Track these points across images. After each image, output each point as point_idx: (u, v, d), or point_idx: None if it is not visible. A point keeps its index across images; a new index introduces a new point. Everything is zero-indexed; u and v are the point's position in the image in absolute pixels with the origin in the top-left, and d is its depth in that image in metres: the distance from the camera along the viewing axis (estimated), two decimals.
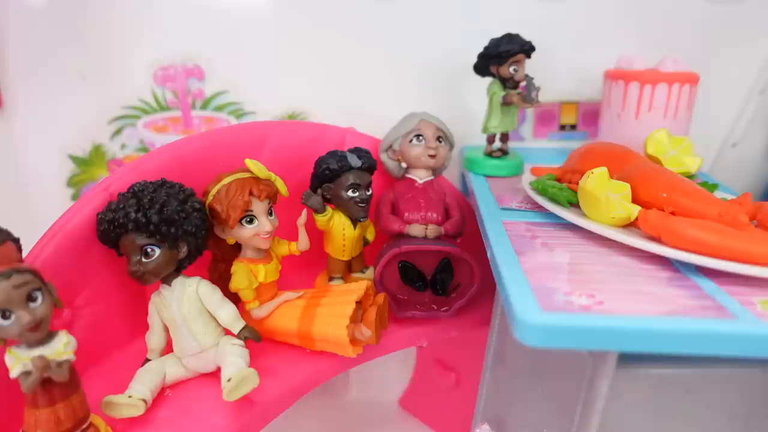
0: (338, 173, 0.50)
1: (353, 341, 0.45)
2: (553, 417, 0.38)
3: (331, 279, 0.55)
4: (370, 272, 0.56)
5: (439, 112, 0.57)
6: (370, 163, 0.51)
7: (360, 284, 0.47)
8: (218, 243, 0.47)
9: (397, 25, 0.68)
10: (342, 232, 0.52)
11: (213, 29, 0.67)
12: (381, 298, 0.48)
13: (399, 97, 0.68)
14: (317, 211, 0.50)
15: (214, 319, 0.43)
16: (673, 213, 0.39)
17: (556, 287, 0.33)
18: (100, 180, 0.46)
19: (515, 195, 0.52)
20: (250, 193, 0.43)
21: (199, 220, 0.42)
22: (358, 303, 0.46)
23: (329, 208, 0.51)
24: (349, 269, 0.56)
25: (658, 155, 0.52)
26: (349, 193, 0.50)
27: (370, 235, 0.56)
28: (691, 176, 0.51)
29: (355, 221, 0.52)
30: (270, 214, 0.45)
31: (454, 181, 0.65)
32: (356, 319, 0.46)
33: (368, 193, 0.51)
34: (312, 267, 0.57)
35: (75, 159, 0.70)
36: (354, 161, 0.50)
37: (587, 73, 0.70)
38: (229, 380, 0.39)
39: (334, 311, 0.45)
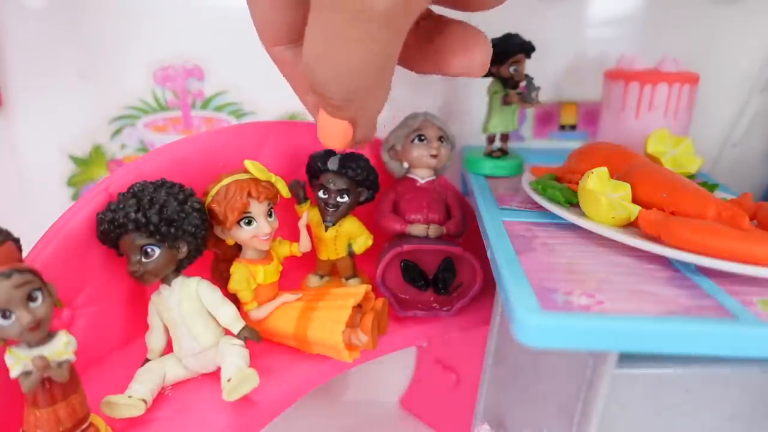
0: (317, 172, 0.51)
1: (349, 346, 0.45)
2: (553, 417, 0.38)
3: (314, 273, 0.56)
4: (353, 281, 0.55)
5: (439, 112, 0.57)
6: (354, 173, 0.50)
7: (359, 288, 0.47)
8: (219, 243, 0.47)
9: None
10: (316, 229, 0.53)
11: (213, 29, 0.67)
12: (380, 303, 0.48)
13: (399, 97, 0.68)
14: (297, 201, 0.53)
15: (215, 319, 0.43)
16: (673, 213, 0.39)
17: (556, 287, 0.33)
18: (100, 180, 0.46)
19: (515, 195, 0.52)
20: (249, 195, 0.43)
21: (199, 220, 0.42)
22: (358, 306, 0.46)
23: (307, 202, 0.53)
24: (339, 273, 0.56)
25: (658, 155, 0.52)
26: (320, 193, 0.51)
27: (357, 247, 0.54)
28: (691, 176, 0.51)
29: (324, 222, 0.51)
30: (270, 215, 0.45)
31: (454, 180, 0.65)
32: (354, 323, 0.45)
33: (340, 199, 0.50)
34: (312, 268, 0.57)
35: (75, 159, 0.70)
36: (331, 164, 0.50)
37: (587, 73, 0.70)
38: (228, 380, 0.39)
39: (330, 316, 0.45)
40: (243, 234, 0.44)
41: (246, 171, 0.45)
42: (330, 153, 0.51)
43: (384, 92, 0.33)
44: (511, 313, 0.31)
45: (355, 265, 0.56)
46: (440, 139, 0.54)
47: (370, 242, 0.54)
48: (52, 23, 0.65)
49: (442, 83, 0.70)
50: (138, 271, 0.40)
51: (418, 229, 0.51)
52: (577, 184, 0.43)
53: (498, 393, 0.47)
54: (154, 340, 0.44)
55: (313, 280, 0.56)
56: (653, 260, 0.38)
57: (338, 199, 0.50)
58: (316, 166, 0.51)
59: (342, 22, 0.27)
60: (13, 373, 0.32)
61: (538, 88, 0.56)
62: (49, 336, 0.33)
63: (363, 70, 0.30)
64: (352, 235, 0.54)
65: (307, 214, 0.50)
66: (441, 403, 0.69)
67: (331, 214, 0.50)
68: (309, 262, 0.55)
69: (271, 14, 0.36)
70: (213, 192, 0.44)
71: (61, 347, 0.33)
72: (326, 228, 0.51)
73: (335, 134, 0.35)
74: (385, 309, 0.49)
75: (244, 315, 0.46)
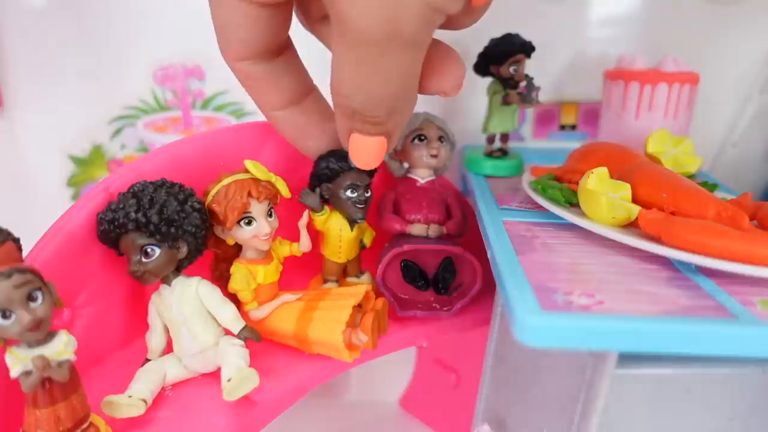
0: (338, 173, 0.49)
1: (350, 346, 0.45)
2: (553, 417, 0.38)
3: (325, 282, 0.54)
4: (365, 277, 0.55)
5: (439, 112, 0.57)
6: None
7: (359, 288, 0.47)
8: (219, 243, 0.47)
9: None
10: (339, 233, 0.51)
11: (213, 29, 0.67)
12: (380, 303, 0.48)
13: None
14: (314, 210, 0.50)
15: (215, 319, 0.43)
16: (673, 213, 0.39)
17: (556, 287, 0.33)
18: (100, 180, 0.47)
19: (515, 195, 0.52)
20: (249, 195, 0.43)
21: (199, 220, 0.42)
22: (358, 306, 0.46)
23: (326, 208, 0.51)
24: (344, 273, 0.55)
25: (658, 155, 0.52)
26: (348, 193, 0.49)
27: (367, 239, 0.55)
28: (691, 176, 0.51)
29: (352, 222, 0.51)
30: (270, 215, 0.45)
31: (454, 180, 0.65)
32: (354, 323, 0.45)
33: (367, 194, 0.50)
34: (312, 268, 0.57)
35: (75, 159, 0.70)
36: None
37: (587, 73, 0.70)
38: (229, 380, 0.39)
39: (330, 315, 0.45)
40: (243, 234, 0.44)
41: (246, 171, 0.45)
42: (339, 152, 0.50)
43: (415, 98, 0.35)
44: (511, 313, 0.31)
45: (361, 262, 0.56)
46: (440, 139, 0.54)
47: (373, 233, 0.55)
48: (52, 23, 0.65)
49: None
50: (138, 271, 0.40)
51: (418, 229, 0.51)
52: (577, 184, 0.43)
53: (498, 393, 0.47)
54: (155, 340, 0.44)
55: (329, 286, 0.54)
56: (653, 260, 0.38)
57: (366, 194, 0.50)
58: (337, 166, 0.49)
59: (376, 54, 0.29)
60: (13, 373, 0.32)
61: (538, 88, 0.56)
62: (49, 336, 0.33)
63: (401, 87, 0.32)
64: (362, 228, 0.53)
65: (308, 214, 0.50)
66: (441, 403, 0.69)
67: (363, 210, 0.50)
68: (311, 262, 0.55)
69: (239, 31, 0.37)
70: (213, 192, 0.44)
71: (61, 347, 0.33)
72: (353, 226, 0.51)
73: (373, 151, 0.37)
74: (385, 309, 0.49)
75: (244, 315, 0.46)
